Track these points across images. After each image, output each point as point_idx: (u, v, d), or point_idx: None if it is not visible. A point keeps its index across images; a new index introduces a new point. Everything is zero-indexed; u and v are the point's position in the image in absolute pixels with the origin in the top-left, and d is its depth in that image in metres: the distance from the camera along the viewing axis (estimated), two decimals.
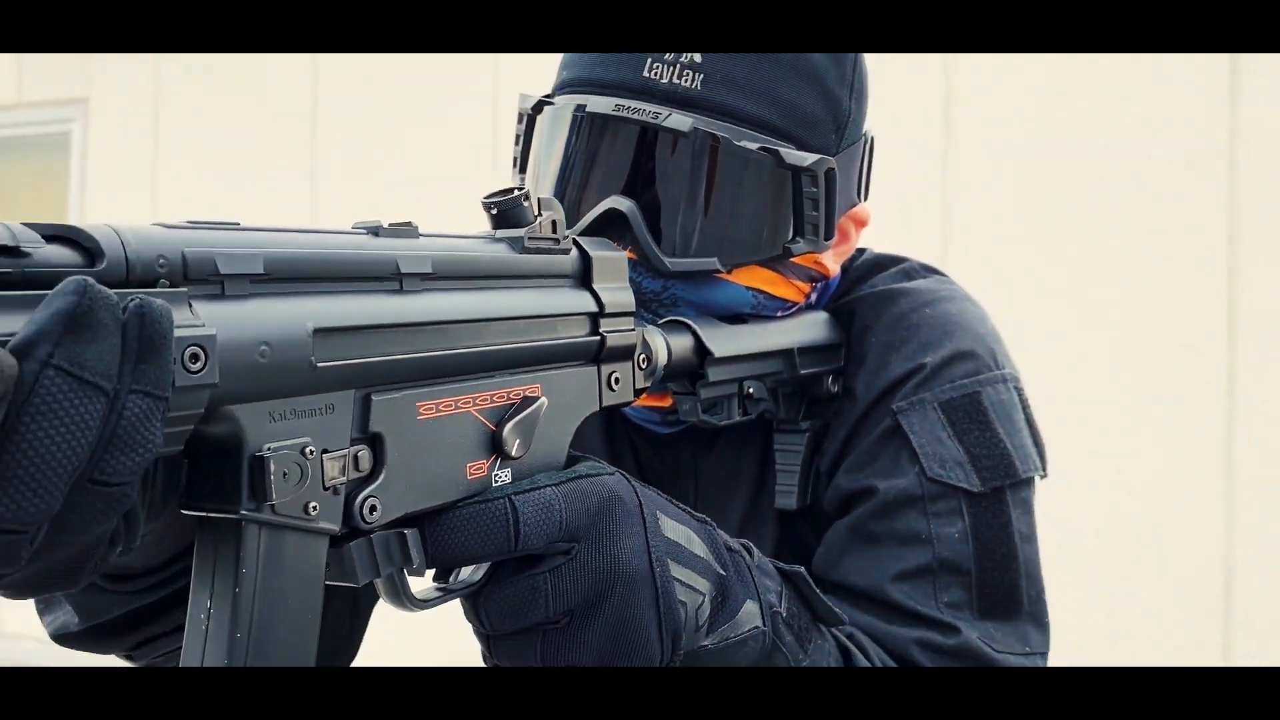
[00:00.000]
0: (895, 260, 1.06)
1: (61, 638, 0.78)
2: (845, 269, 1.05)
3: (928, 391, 0.95)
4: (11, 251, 0.47)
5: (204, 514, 0.57)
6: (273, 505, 0.56)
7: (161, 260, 0.53)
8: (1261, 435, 3.06)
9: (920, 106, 3.37)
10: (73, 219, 4.75)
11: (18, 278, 0.47)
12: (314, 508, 0.58)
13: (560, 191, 0.94)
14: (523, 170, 0.98)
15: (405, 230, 0.66)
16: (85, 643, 0.78)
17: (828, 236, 0.95)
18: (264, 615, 0.56)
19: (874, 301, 1.00)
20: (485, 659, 0.72)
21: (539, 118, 0.96)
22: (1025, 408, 0.99)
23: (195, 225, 0.55)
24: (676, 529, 0.75)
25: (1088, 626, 3.23)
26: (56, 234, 0.50)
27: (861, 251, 1.08)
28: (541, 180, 0.96)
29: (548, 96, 0.97)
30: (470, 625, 0.70)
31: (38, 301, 0.47)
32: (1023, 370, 1.05)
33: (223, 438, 0.55)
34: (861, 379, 0.98)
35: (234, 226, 0.57)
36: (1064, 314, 3.25)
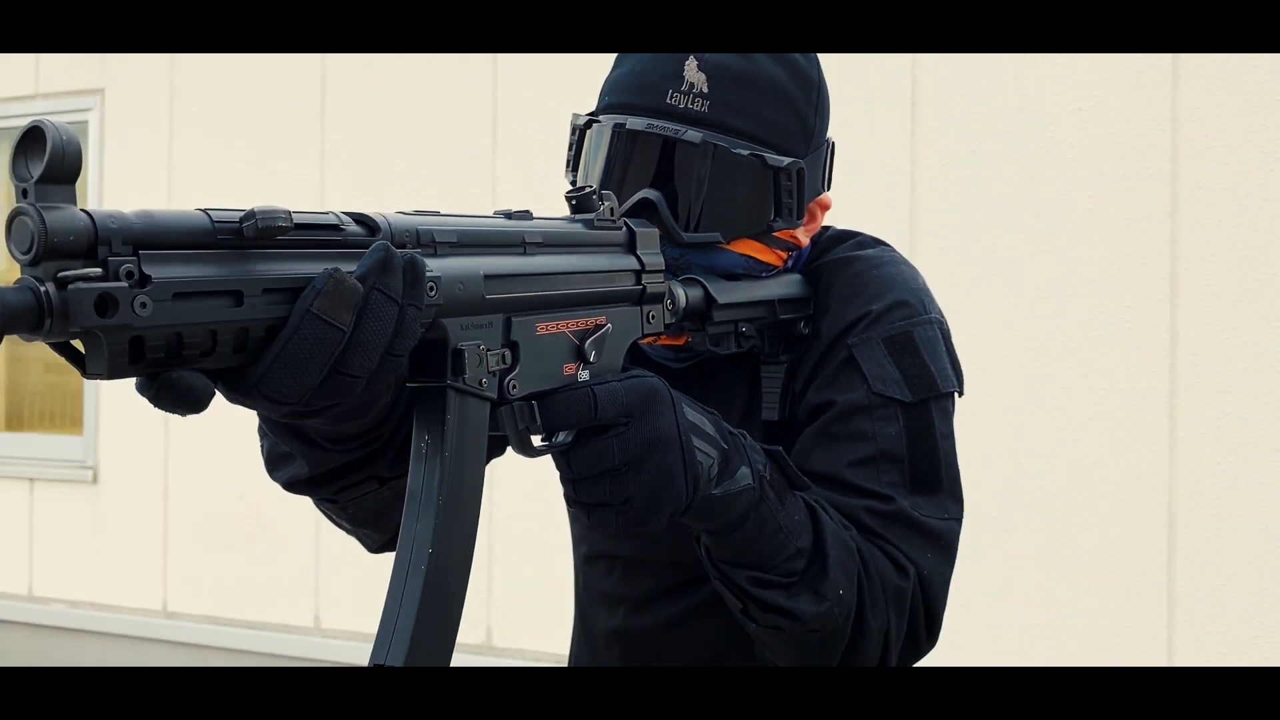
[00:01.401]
0: (851, 235, 1.37)
1: (291, 484, 1.13)
2: (814, 242, 1.36)
3: (873, 331, 1.27)
4: (338, 229, 0.84)
5: (423, 385, 0.93)
6: (464, 378, 0.92)
7: (407, 233, 0.89)
8: (1202, 398, 3.30)
9: (889, 100, 3.62)
10: (92, 204, 5.03)
11: (340, 242, 0.84)
12: (484, 382, 0.94)
13: (604, 184, 1.25)
14: (574, 169, 1.30)
15: (525, 215, 1.03)
16: (306, 487, 1.12)
17: (799, 217, 1.27)
18: (458, 447, 0.92)
19: (835, 266, 1.32)
20: (568, 498, 1.05)
21: (588, 131, 1.28)
22: (947, 341, 1.30)
23: (419, 213, 0.92)
24: (695, 415, 1.08)
25: (1038, 617, 3.48)
26: (356, 218, 0.87)
27: (827, 228, 1.38)
28: (589, 176, 1.27)
29: (594, 115, 1.29)
30: (559, 475, 1.04)
31: (355, 255, 0.83)
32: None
33: (436, 339, 0.91)
34: (825, 323, 1.29)
35: (437, 214, 0.94)
36: (1018, 286, 3.48)
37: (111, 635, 4.87)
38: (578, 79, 4.05)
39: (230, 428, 4.62)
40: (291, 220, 0.78)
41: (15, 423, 5.31)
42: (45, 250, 0.69)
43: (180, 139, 4.83)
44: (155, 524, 4.82)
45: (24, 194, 0.71)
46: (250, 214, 0.76)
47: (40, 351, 5.31)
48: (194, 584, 4.75)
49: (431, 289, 0.88)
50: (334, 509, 1.17)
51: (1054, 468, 3.44)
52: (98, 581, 4.93)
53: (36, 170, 0.70)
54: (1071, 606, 3.44)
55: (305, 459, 1.08)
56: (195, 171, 4.80)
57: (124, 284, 0.70)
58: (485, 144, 4.26)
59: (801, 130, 1.27)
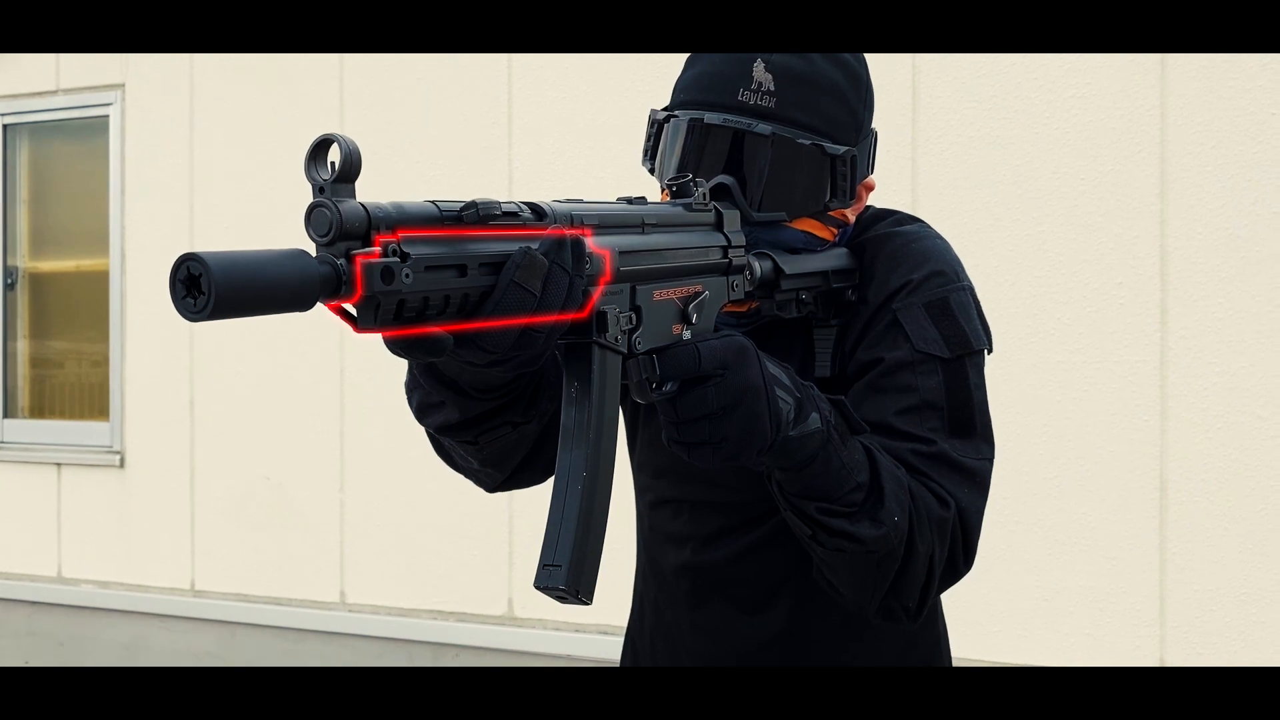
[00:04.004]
0: (891, 213, 1.51)
1: (442, 428, 1.30)
2: (858, 219, 1.50)
3: (915, 297, 1.41)
4: (518, 215, 1.02)
5: (573, 341, 1.11)
6: (605, 336, 1.10)
7: (565, 218, 1.07)
8: (1191, 370, 3.44)
9: (892, 88, 3.73)
10: (113, 196, 5.16)
11: (520, 225, 1.01)
12: (617, 339, 1.12)
13: (680, 171, 1.39)
14: (651, 159, 1.45)
15: (641, 200, 1.20)
16: (454, 431, 1.30)
17: (851, 198, 1.43)
18: (599, 393, 1.10)
19: (879, 240, 1.46)
20: (671, 439, 1.18)
21: (666, 125, 1.43)
22: (977, 306, 1.45)
23: (568, 200, 1.10)
24: (775, 368, 1.22)
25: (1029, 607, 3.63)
26: (529, 206, 1.05)
27: (868, 207, 1.51)
28: (667, 164, 1.41)
29: (670, 111, 1.43)
30: (662, 418, 1.18)
31: (531, 236, 1.01)
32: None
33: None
34: (871, 290, 1.43)
35: (581, 201, 1.11)
36: (1015, 265, 3.62)
37: (140, 614, 5.03)
38: (588, 73, 4.22)
39: (254, 410, 4.80)
40: (501, 209, 0.97)
41: (40, 410, 5.47)
42: (339, 234, 0.87)
43: (201, 133, 4.96)
44: (182, 505, 4.98)
45: (320, 190, 0.88)
46: (472, 204, 0.96)
47: (67, 344, 5.46)
48: (221, 562, 4.91)
49: (587, 263, 1.06)
50: (471, 450, 1.35)
51: (1049, 438, 3.59)
52: (126, 562, 5.09)
53: (326, 172, 0.88)
54: (1067, 570, 3.58)
55: (457, 407, 1.26)
56: (216, 165, 4.92)
57: (396, 259, 0.89)
58: (500, 135, 4.40)
59: (853, 122, 1.43)
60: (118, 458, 5.10)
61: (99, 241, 5.22)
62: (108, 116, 5.15)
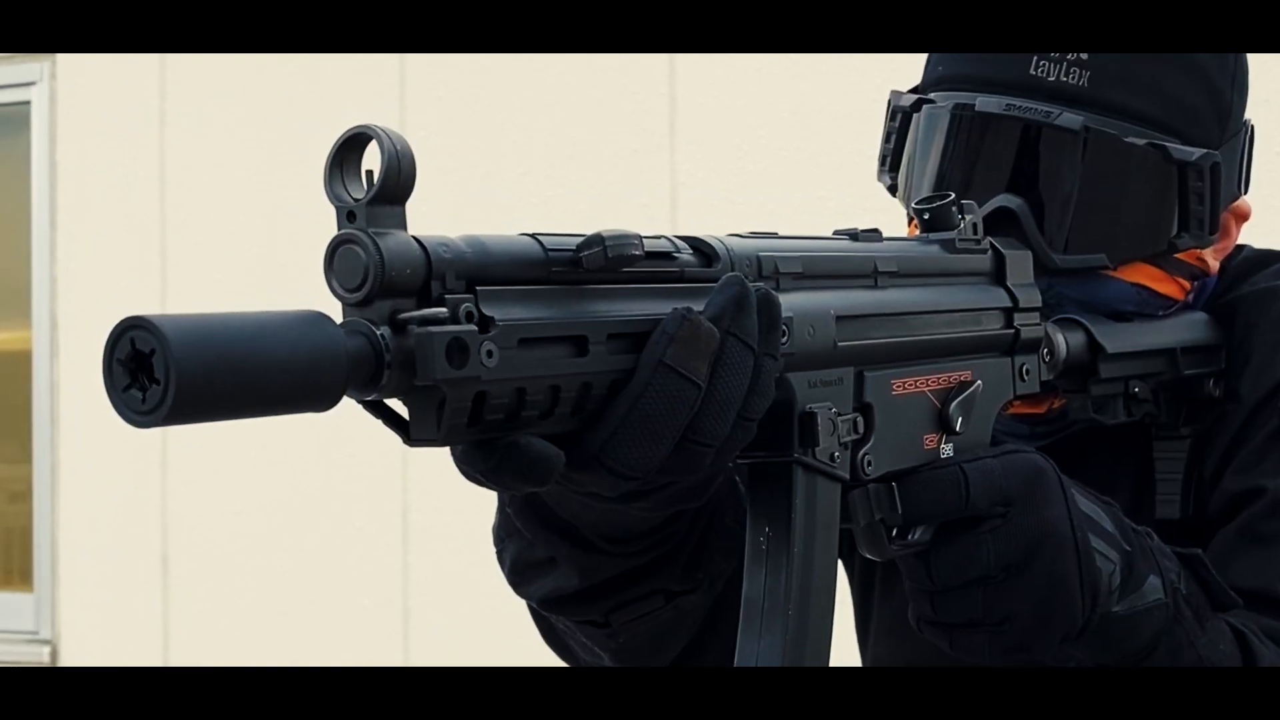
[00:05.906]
0: (1276, 255, 1.19)
1: (554, 601, 0.98)
2: (1223, 267, 1.19)
3: None
4: (672, 256, 0.76)
5: (759, 460, 0.83)
6: (814, 451, 0.82)
7: (747, 261, 0.80)
8: None
9: (880, 86, 3.46)
10: (37, 232, 4.44)
11: (676, 274, 0.77)
12: (835, 457, 0.84)
13: (939, 189, 1.08)
14: (894, 169, 1.15)
15: (874, 235, 0.92)
16: (571, 605, 0.98)
17: (1212, 231, 1.10)
18: (806, 544, 0.82)
19: (1258, 300, 1.14)
20: (923, 618, 0.91)
21: (915, 116, 1.11)
22: None
23: (754, 235, 0.84)
24: (1089, 505, 0.94)
25: None
26: (690, 243, 0.79)
27: (1240, 247, 1.20)
28: (917, 179, 1.12)
29: (923, 94, 1.12)
30: (908, 584, 0.91)
31: (693, 291, 0.75)
32: None
33: (781, 399, 0.80)
34: (1246, 379, 1.12)
35: (774, 236, 0.85)
36: None
37: None
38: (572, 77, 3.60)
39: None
40: (644, 248, 0.74)
41: None
42: (381, 287, 0.66)
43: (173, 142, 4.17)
44: None
45: (350, 217, 0.67)
46: (595, 240, 0.72)
47: None
48: None
49: (783, 333, 0.81)
50: (599, 636, 1.03)
51: None
52: None
53: (360, 188, 0.67)
54: None
55: (576, 567, 0.97)
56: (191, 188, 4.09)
57: (472, 328, 0.68)
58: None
59: (1215, 110, 1.12)
60: (46, 650, 3.84)
61: (13, 305, 3.95)
62: (29, 103, 3.95)
